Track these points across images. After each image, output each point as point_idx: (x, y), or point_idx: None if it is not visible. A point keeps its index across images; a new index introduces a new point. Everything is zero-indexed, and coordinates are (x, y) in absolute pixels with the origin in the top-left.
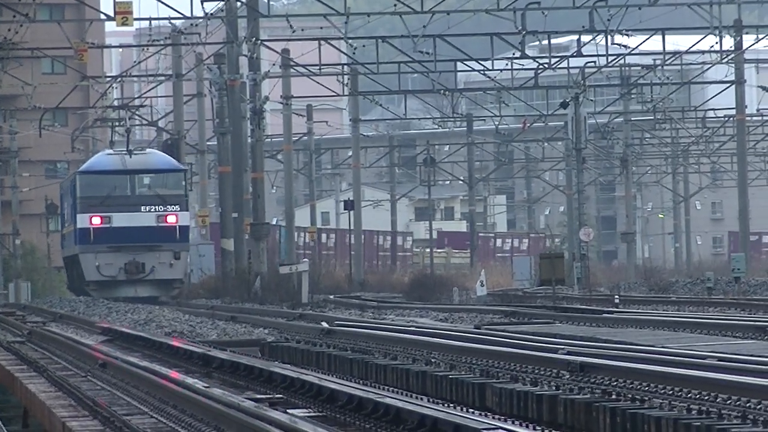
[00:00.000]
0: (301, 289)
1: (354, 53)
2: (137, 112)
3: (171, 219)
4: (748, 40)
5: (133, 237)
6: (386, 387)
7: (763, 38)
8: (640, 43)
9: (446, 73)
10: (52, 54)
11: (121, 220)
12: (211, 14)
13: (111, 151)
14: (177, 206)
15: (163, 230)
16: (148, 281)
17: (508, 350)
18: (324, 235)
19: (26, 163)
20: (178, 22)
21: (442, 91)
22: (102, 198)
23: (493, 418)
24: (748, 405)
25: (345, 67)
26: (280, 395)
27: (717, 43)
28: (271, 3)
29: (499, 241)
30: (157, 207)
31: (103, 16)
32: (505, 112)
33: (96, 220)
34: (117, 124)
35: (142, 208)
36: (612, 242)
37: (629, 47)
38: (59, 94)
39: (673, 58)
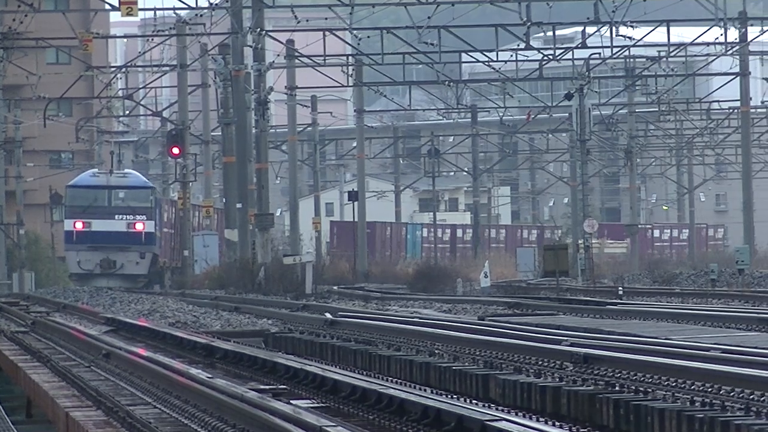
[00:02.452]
0: (305, 280)
1: (359, 44)
2: (140, 103)
3: (139, 226)
4: (752, 31)
5: (107, 239)
6: (390, 378)
7: (767, 30)
8: (645, 35)
9: (451, 65)
10: (56, 44)
11: (99, 225)
12: (216, 4)
13: (96, 171)
14: (144, 216)
15: (132, 235)
16: (119, 275)
17: (511, 341)
18: (440, 231)
19: (30, 153)
20: (182, 13)
21: (446, 83)
22: (84, 207)
23: (497, 409)
24: (751, 397)
25: (350, 57)
26: (284, 386)
27: (722, 34)
28: None
29: (657, 232)
30: (127, 216)
31: (107, 7)
32: (509, 104)
33: (79, 225)
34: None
35: (116, 216)
36: None
37: (634, 39)
38: (64, 84)
39: (678, 50)
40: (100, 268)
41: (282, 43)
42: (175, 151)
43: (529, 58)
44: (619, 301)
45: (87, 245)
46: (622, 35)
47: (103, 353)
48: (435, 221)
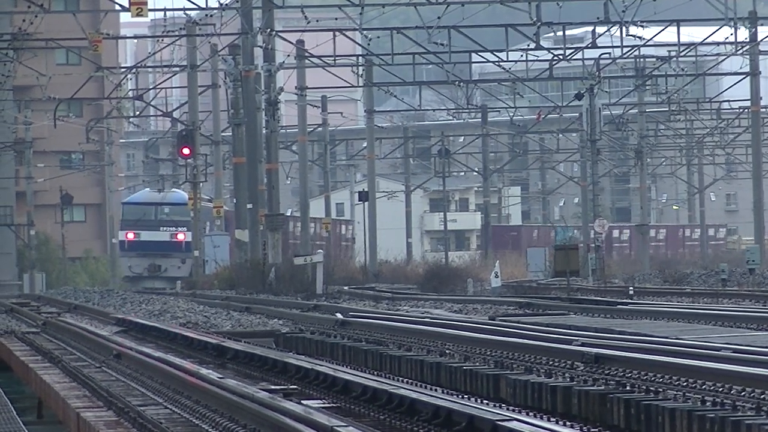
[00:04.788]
0: (315, 280)
1: (369, 44)
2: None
3: (180, 236)
4: (763, 31)
5: (154, 247)
6: (400, 378)
7: None
8: (655, 35)
9: (461, 65)
10: (66, 45)
11: (147, 236)
12: (226, 5)
13: (149, 189)
14: (185, 227)
15: (174, 244)
16: (163, 277)
17: (522, 341)
18: (592, 231)
19: (41, 154)
20: (193, 13)
21: (456, 83)
22: (136, 221)
23: (508, 409)
24: (762, 397)
25: (360, 58)
26: (295, 386)
27: (732, 34)
28: None
29: None
30: (170, 228)
31: (117, 7)
32: (519, 104)
33: (130, 235)
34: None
35: (161, 228)
36: None
37: (644, 38)
38: (74, 85)
39: (688, 50)
40: (148, 272)
41: (292, 43)
42: (186, 151)
43: (539, 58)
44: (629, 300)
45: (137, 252)
46: (632, 35)
47: (114, 354)
48: (446, 221)
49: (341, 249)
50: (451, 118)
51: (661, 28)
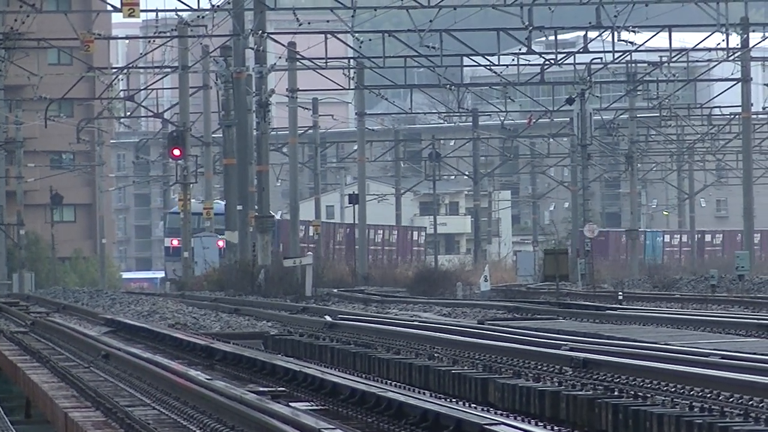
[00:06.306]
0: (304, 282)
1: (360, 47)
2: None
3: (220, 243)
4: (754, 37)
5: None
6: (389, 381)
7: None
8: (647, 40)
9: (452, 68)
10: (58, 45)
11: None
12: (218, 6)
13: (195, 201)
14: (223, 236)
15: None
16: None
17: (511, 346)
18: (685, 236)
19: (31, 154)
20: (184, 14)
21: (447, 86)
22: (179, 228)
23: (496, 413)
24: (750, 403)
25: (351, 60)
26: (283, 388)
27: (723, 40)
28: None
29: None
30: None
31: (109, 8)
32: (510, 108)
33: (174, 242)
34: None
35: None
36: None
37: (635, 44)
38: (65, 85)
39: (680, 55)
40: None
41: (283, 45)
42: (176, 152)
43: (530, 63)
44: (618, 305)
45: (180, 258)
46: (623, 40)
47: (103, 354)
48: (435, 225)
49: (413, 254)
50: (442, 121)
51: (653, 33)
